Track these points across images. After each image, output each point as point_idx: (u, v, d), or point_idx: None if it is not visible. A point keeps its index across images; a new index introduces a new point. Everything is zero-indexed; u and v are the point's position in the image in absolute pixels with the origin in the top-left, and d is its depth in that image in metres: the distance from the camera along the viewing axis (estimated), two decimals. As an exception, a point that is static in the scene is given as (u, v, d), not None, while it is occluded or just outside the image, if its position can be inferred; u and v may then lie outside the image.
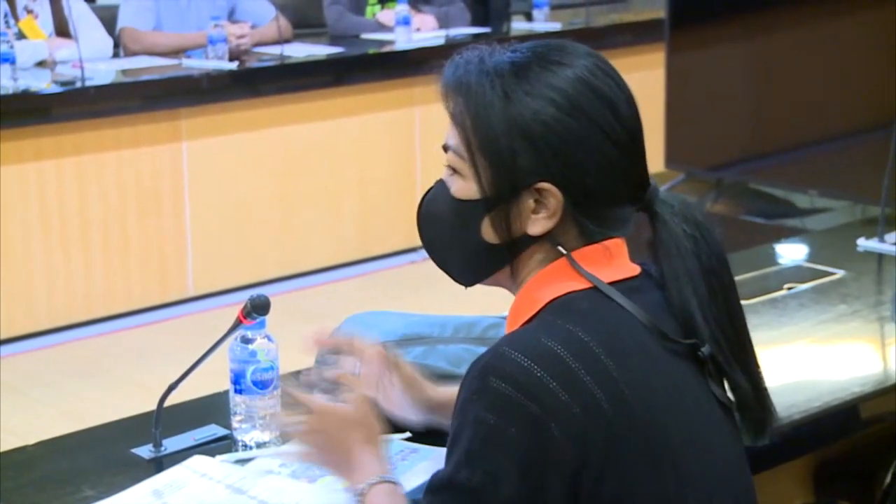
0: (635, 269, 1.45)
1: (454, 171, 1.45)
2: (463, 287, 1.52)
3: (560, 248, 1.41)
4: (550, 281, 1.41)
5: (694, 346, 1.41)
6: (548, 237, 1.41)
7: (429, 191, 1.52)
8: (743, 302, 2.35)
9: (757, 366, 1.47)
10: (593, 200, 1.42)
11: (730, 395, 1.45)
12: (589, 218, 1.42)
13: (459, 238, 1.46)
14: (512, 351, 1.32)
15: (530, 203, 1.41)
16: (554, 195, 1.40)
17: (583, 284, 1.40)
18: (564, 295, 1.39)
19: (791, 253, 2.84)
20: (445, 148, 1.46)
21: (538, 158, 1.39)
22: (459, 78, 1.43)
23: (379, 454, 1.49)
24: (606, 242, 1.43)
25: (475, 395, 1.31)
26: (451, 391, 1.56)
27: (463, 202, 1.44)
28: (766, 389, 1.47)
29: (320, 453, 1.51)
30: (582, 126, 1.39)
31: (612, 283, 1.40)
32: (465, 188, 1.43)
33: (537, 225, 1.41)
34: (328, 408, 1.50)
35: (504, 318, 1.48)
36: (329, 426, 1.49)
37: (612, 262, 1.43)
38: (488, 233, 1.43)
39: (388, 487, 1.45)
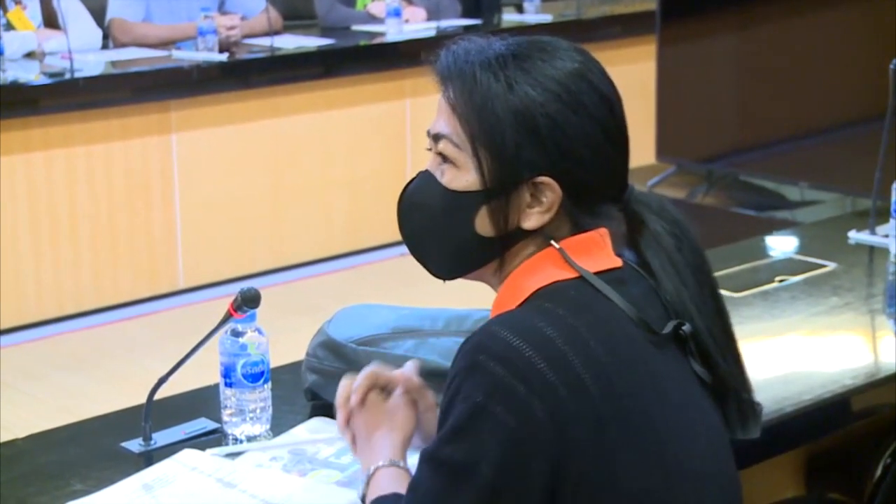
0: (619, 261, 1.45)
1: (445, 160, 1.43)
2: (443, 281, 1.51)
3: (553, 243, 1.41)
4: (536, 270, 1.41)
5: (677, 325, 1.41)
6: (540, 231, 1.41)
7: (410, 182, 1.50)
8: (734, 294, 2.40)
9: (742, 359, 1.48)
10: (588, 196, 1.42)
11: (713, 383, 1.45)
12: (582, 212, 1.42)
13: (449, 230, 1.44)
14: (503, 330, 1.32)
15: (526, 197, 1.40)
16: (553, 190, 1.39)
17: (569, 274, 1.40)
18: (551, 284, 1.39)
19: (782, 245, 2.84)
20: (437, 137, 1.44)
21: (542, 152, 1.39)
22: (462, 67, 1.42)
23: (397, 442, 1.51)
24: (600, 230, 1.43)
25: (465, 373, 1.32)
26: None
27: (458, 193, 1.42)
28: (751, 383, 1.48)
29: (355, 434, 1.55)
30: (583, 122, 1.39)
31: (598, 273, 1.40)
32: (461, 179, 1.42)
33: (532, 219, 1.41)
34: (367, 398, 1.54)
35: (494, 310, 1.47)
36: (363, 413, 1.53)
37: (600, 251, 1.43)
38: (482, 225, 1.42)
39: (394, 472, 1.47)
